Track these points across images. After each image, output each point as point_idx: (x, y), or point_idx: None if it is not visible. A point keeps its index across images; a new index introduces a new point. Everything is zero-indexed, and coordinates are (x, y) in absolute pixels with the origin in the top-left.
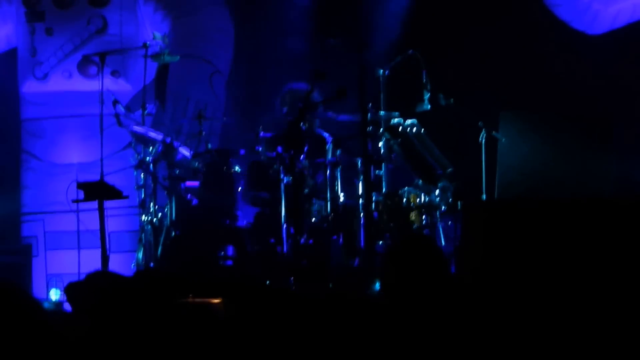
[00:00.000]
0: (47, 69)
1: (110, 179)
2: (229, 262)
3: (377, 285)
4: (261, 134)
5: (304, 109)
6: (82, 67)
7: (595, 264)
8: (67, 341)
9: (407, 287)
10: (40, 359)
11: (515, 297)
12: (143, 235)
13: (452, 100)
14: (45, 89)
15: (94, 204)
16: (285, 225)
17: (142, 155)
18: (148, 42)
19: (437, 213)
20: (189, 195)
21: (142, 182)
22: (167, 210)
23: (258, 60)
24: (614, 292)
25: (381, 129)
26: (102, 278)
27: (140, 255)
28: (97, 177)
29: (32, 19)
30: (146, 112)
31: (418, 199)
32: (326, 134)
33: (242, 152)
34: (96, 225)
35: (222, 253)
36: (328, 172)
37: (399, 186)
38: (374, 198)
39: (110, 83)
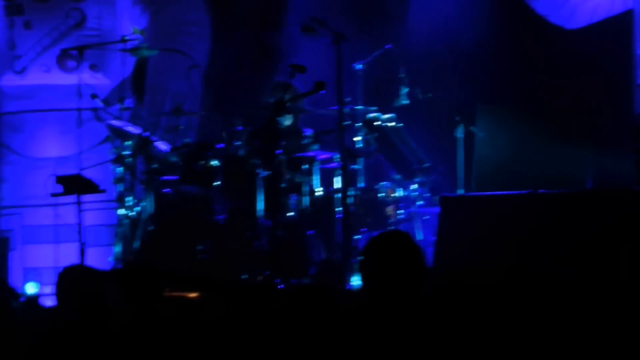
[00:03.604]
0: (26, 62)
1: (87, 173)
2: (206, 257)
3: (354, 279)
4: (238, 128)
5: (280, 103)
6: (61, 61)
7: (574, 254)
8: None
9: (385, 285)
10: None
11: (495, 289)
12: (120, 229)
13: (429, 94)
14: (24, 82)
15: (72, 198)
16: (262, 219)
17: (119, 149)
18: (127, 36)
19: (415, 207)
20: (167, 190)
21: (119, 176)
22: (145, 204)
23: (234, 53)
24: (594, 279)
25: (359, 124)
26: (79, 272)
27: (118, 249)
28: (74, 171)
29: (10, 12)
30: (124, 106)
31: (395, 193)
32: (306, 128)
33: (220, 146)
34: (73, 219)
35: (200, 247)
36: (306, 166)
37: (377, 180)
38: (351, 192)
39: (88, 77)
